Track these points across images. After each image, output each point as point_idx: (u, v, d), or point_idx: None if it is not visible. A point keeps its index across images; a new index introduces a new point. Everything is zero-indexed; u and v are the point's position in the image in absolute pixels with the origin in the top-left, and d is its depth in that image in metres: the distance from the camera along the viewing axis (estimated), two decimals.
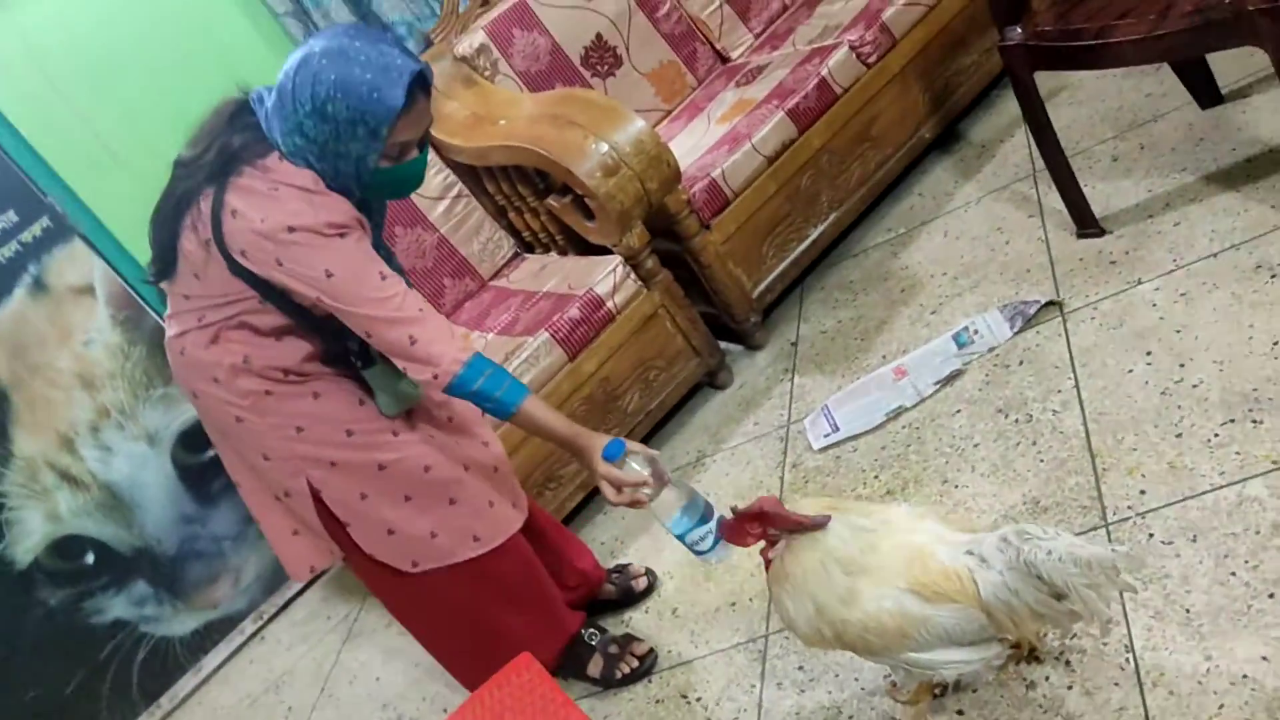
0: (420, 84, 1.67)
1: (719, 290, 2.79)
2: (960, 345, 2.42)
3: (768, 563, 1.72)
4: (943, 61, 3.01)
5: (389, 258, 1.87)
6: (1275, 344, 1.94)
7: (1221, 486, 1.79)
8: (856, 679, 1.90)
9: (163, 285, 1.84)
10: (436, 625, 2.14)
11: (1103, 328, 2.22)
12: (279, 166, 1.70)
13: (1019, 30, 2.25)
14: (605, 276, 2.61)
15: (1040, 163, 2.76)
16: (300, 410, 1.86)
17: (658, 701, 2.12)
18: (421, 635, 2.18)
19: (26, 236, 2.80)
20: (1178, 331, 2.10)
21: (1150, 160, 2.55)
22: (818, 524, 1.63)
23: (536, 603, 2.15)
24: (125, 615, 3.00)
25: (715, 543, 1.81)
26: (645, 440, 2.76)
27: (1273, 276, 2.07)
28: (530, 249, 3.07)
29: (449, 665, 2.21)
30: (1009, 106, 3.10)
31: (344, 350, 1.88)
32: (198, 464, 3.03)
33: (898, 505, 1.71)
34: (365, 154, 1.68)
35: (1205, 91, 2.56)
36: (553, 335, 2.55)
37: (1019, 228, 2.65)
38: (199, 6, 3.12)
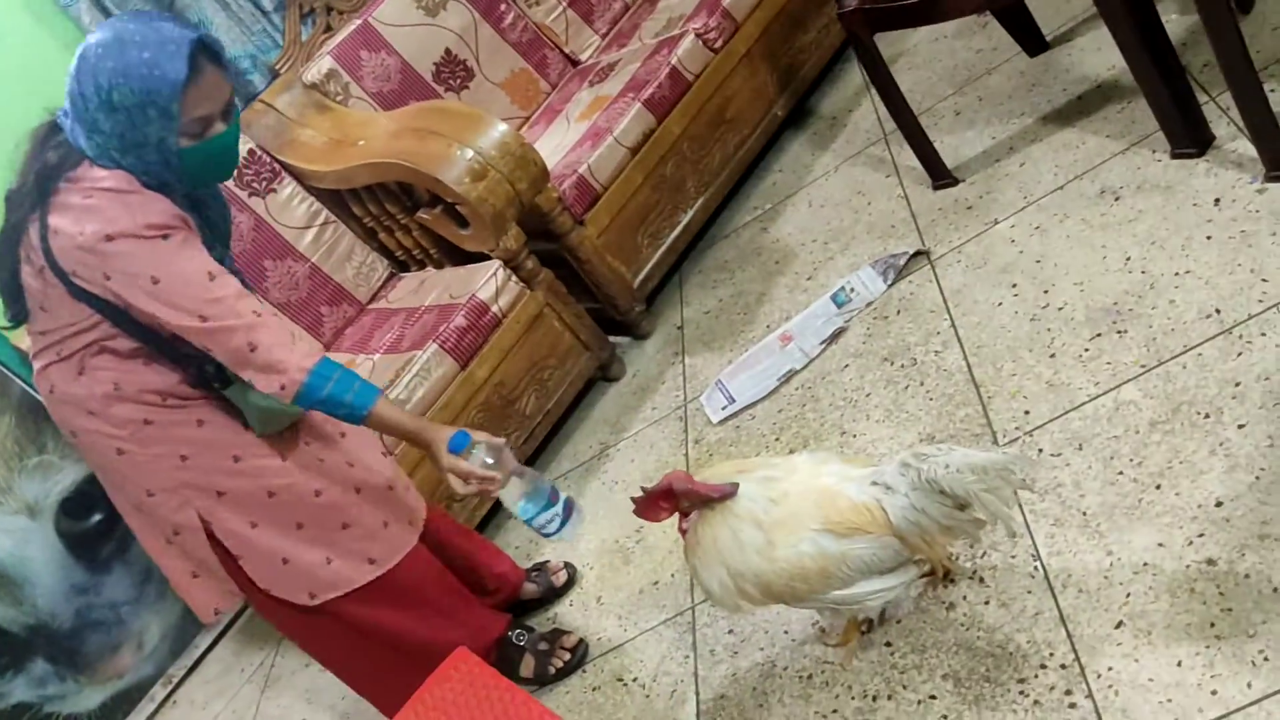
0: (205, 54, 1.62)
1: (600, 283, 2.83)
2: (839, 305, 2.50)
3: (684, 534, 1.75)
4: (785, 40, 3.11)
5: (233, 271, 1.81)
6: (1127, 259, 2.07)
7: (1098, 396, 1.89)
8: (786, 632, 1.94)
9: (25, 327, 1.78)
10: (350, 656, 2.09)
11: (969, 269, 2.33)
12: (89, 173, 1.64)
13: None
14: (487, 281, 2.62)
15: (890, 125, 2.90)
16: (184, 437, 1.80)
17: (595, 689, 2.13)
18: (336, 668, 2.12)
19: None
20: (1037, 262, 2.22)
21: (990, 110, 2.69)
22: (726, 494, 1.67)
23: (452, 613, 2.12)
24: (27, 698, 2.85)
25: (562, 524, 1.86)
26: (546, 441, 2.77)
27: (1116, 199, 2.20)
28: (405, 268, 3.05)
29: (371, 696, 2.15)
30: (853, 78, 3.23)
31: (202, 372, 1.81)
32: (83, 530, 2.91)
33: (799, 455, 1.77)
34: (164, 136, 1.62)
35: (1031, 40, 2.71)
36: (441, 346, 2.54)
37: (878, 188, 2.75)
38: None
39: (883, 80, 2.48)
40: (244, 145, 2.91)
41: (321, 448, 1.95)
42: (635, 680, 2.09)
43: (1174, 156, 2.17)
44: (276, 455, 1.88)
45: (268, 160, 2.94)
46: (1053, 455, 1.86)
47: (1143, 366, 1.88)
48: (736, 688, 1.92)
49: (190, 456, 1.81)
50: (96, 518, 2.92)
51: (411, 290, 2.90)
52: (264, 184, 2.93)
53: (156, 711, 3.02)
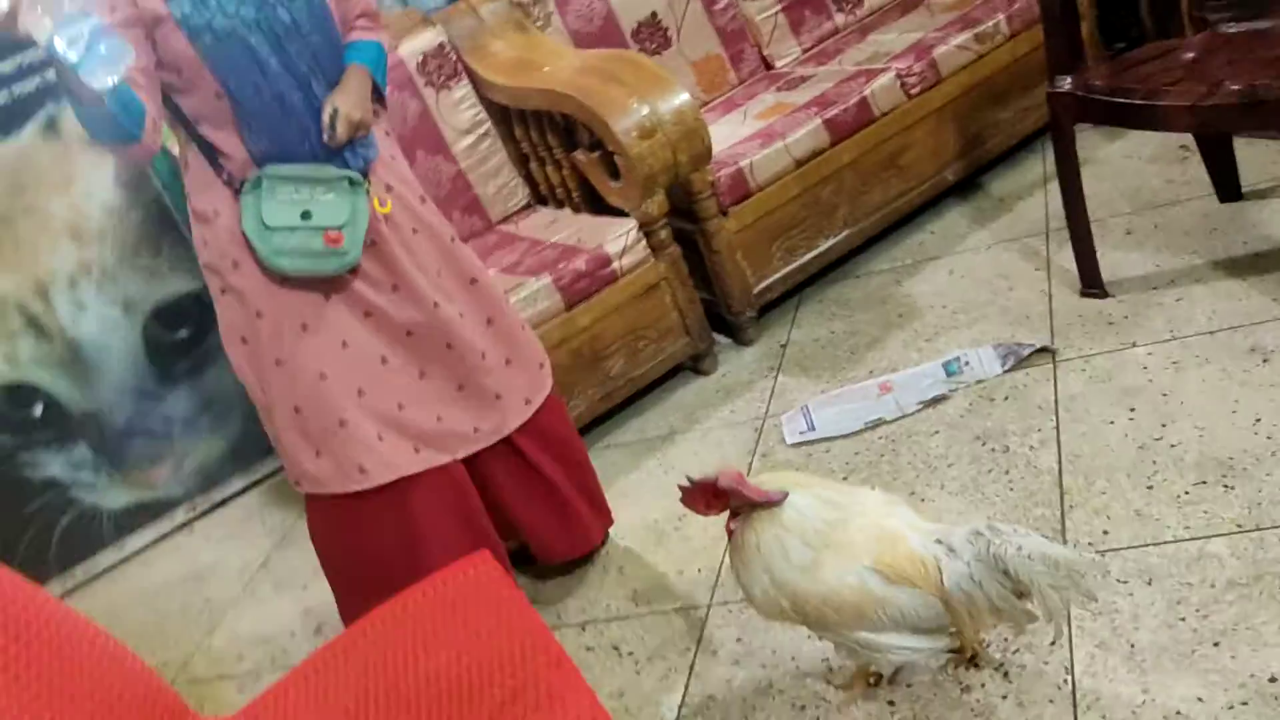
0: None
1: (722, 278, 2.81)
2: (949, 373, 2.45)
3: (730, 534, 1.72)
4: (981, 109, 3.06)
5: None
6: (1257, 420, 1.99)
7: (1184, 539, 1.82)
8: (794, 659, 1.90)
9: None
10: (327, 552, 2.06)
11: (1091, 380, 2.27)
12: None
13: (1070, 79, 2.30)
14: (618, 237, 2.62)
15: (1054, 222, 2.84)
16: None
17: (589, 649, 2.11)
18: (318, 555, 2.09)
19: (50, 74, 2.75)
20: (1164, 395, 2.14)
21: (1162, 239, 2.61)
22: (771, 500, 1.64)
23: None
24: (60, 475, 2.94)
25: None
26: (620, 406, 2.77)
27: (1264, 360, 2.12)
28: (544, 202, 3.08)
29: (337, 599, 2.12)
30: (1033, 170, 3.17)
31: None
32: (168, 341, 2.99)
33: (871, 490, 1.73)
34: None
35: (1227, 185, 2.63)
36: (555, 281, 2.55)
37: (1024, 278, 2.70)
38: None
39: (1068, 172, 2.42)
40: (435, 39, 2.97)
41: (356, 317, 1.90)
42: (631, 654, 2.06)
43: None
44: (298, 322, 1.85)
45: (453, 58, 2.99)
46: (1120, 581, 1.79)
47: (1238, 526, 1.80)
48: (727, 693, 1.89)
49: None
50: (183, 333, 2.99)
51: (543, 224, 2.92)
52: (442, 79, 2.98)
53: (173, 532, 3.09)
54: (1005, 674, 1.72)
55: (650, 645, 2.06)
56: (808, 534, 1.62)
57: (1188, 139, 2.96)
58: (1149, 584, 1.77)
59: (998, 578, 1.54)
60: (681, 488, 1.70)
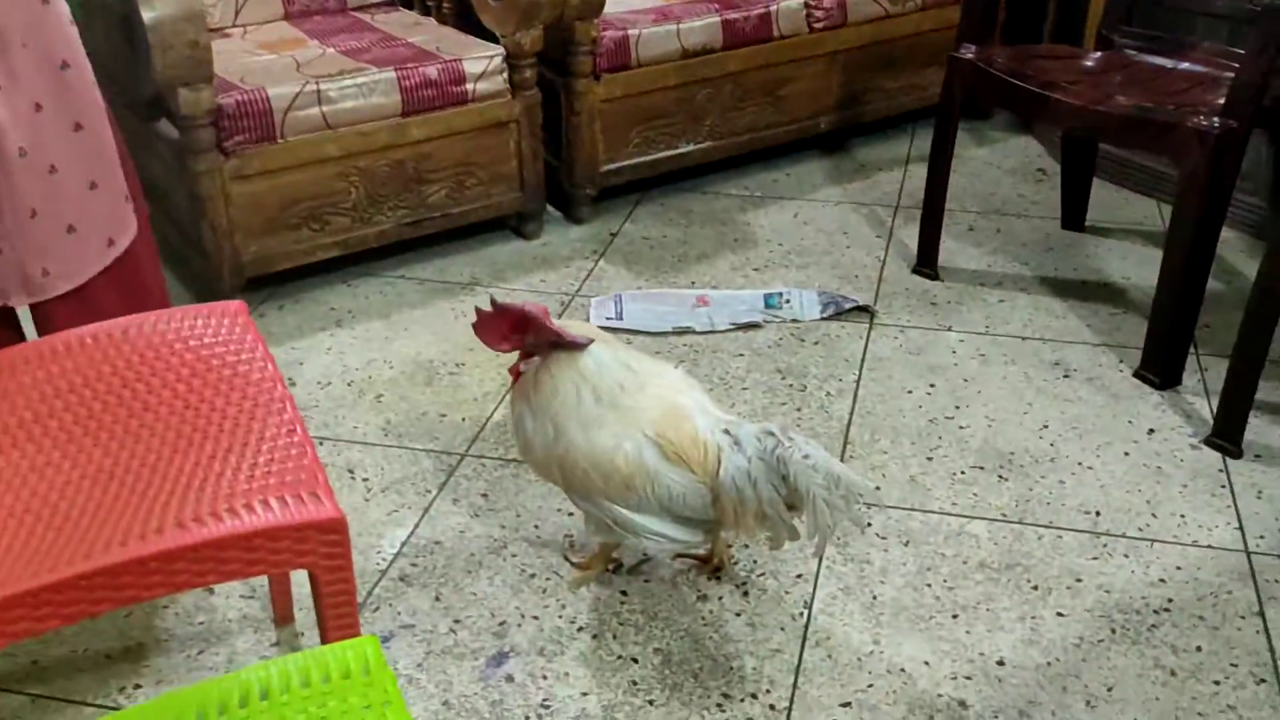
0: None
1: (574, 145, 2.65)
2: (768, 305, 2.38)
3: (515, 376, 1.58)
4: (871, 70, 3.01)
5: None
6: (1045, 427, 2.01)
7: (949, 514, 1.81)
8: (536, 526, 1.79)
9: None
10: None
11: (901, 348, 2.24)
12: None
13: (975, 49, 2.26)
14: (480, 58, 2.41)
15: (906, 201, 2.82)
16: None
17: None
18: None
19: None
20: (965, 380, 2.14)
21: (1000, 243, 2.63)
22: (578, 344, 1.51)
23: None
24: None
25: None
26: (427, 240, 2.57)
27: (1065, 376, 2.15)
28: (409, 5, 2.82)
29: None
30: (899, 148, 3.15)
31: None
32: None
33: (673, 367, 1.62)
34: None
35: (1074, 213, 2.67)
36: (400, 78, 2.32)
37: (863, 241, 2.66)
38: None
39: (942, 146, 2.39)
40: None
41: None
42: (365, 480, 1.89)
43: (1135, 374, 2.13)
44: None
45: None
46: (879, 536, 1.76)
47: (1003, 515, 1.80)
48: (457, 543, 1.75)
49: None
50: None
51: (403, 23, 2.66)
52: None
53: None
54: (745, 593, 1.66)
55: (389, 477, 1.90)
56: (600, 388, 1.50)
57: (1047, 162, 3.02)
58: (905, 545, 1.75)
59: (774, 481, 1.46)
60: (479, 312, 1.54)
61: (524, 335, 1.54)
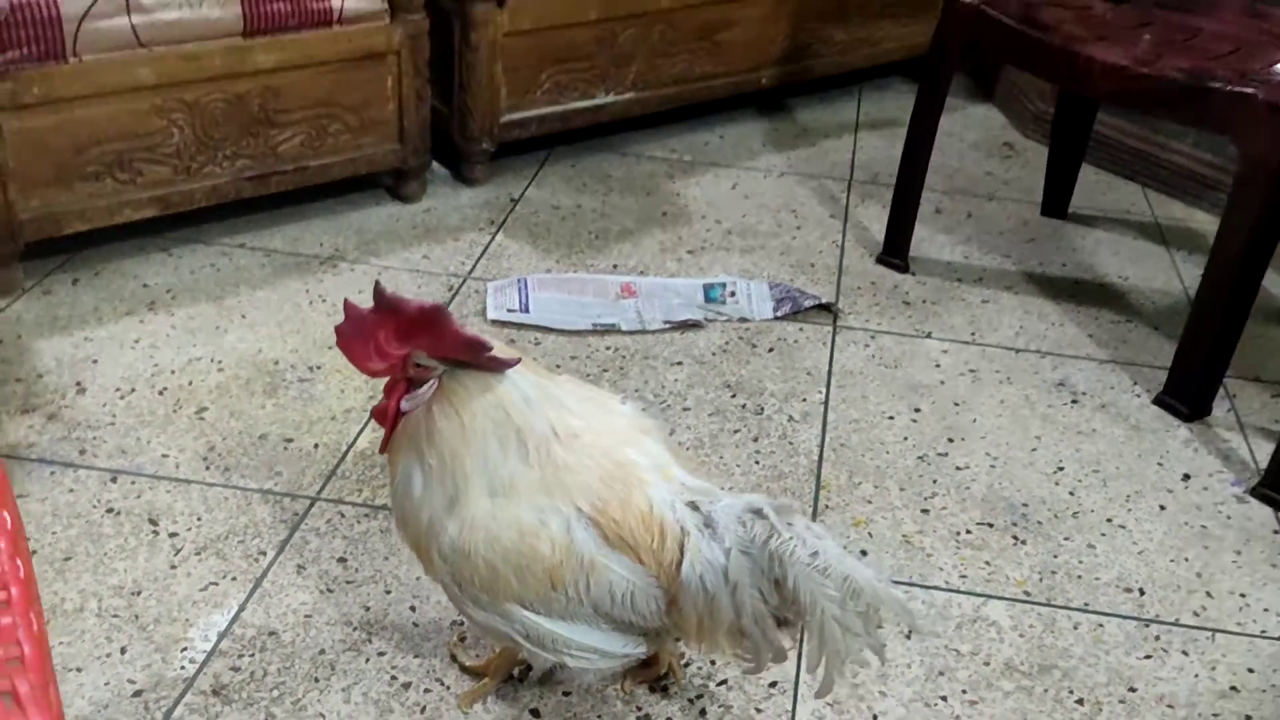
0: None
1: (469, 88, 2.12)
2: (709, 298, 1.92)
3: (393, 416, 1.07)
4: (819, 19, 2.55)
5: None
6: (1059, 469, 1.61)
7: (959, 591, 1.39)
8: (414, 608, 1.30)
9: None
10: None
11: (874, 360, 1.82)
12: None
13: None
14: None
15: (860, 174, 2.40)
16: None
17: (110, 510, 1.39)
18: None
19: None
20: (956, 404, 1.73)
21: (974, 229, 2.23)
22: (505, 362, 1.03)
23: None
24: None
25: None
26: (277, 199, 2.02)
27: (1073, 401, 1.75)
28: None
29: None
30: (846, 112, 2.71)
31: None
32: None
33: (621, 402, 1.15)
34: None
35: (1056, 199, 2.29)
36: None
37: (816, 221, 2.22)
38: None
39: (926, 112, 1.95)
40: None
41: None
42: (172, 535, 1.37)
43: (1155, 400, 1.75)
44: None
45: None
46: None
47: (1027, 595, 1.39)
48: (299, 635, 1.25)
49: None
50: None
51: None
52: None
53: None
54: (702, 711, 1.21)
55: (207, 532, 1.38)
56: (528, 435, 1.02)
57: (1013, 135, 2.64)
58: (908, 638, 1.32)
59: (762, 585, 1.01)
60: (349, 309, 1.04)
61: (412, 349, 1.04)
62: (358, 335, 1.04)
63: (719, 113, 2.61)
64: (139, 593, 1.29)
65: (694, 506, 1.05)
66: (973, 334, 1.90)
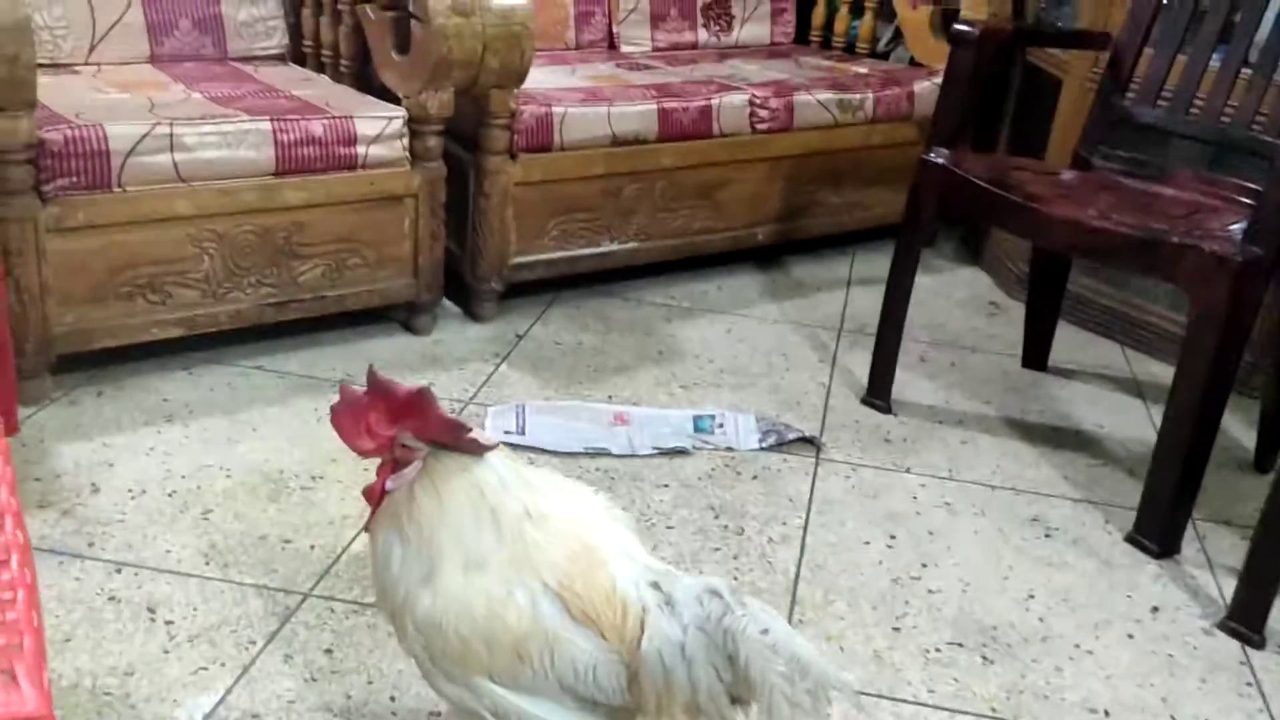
0: None
1: (481, 232, 2.28)
2: (698, 429, 2.01)
3: (379, 493, 1.16)
4: (814, 183, 2.73)
5: None
6: (1030, 596, 1.66)
7: (926, 704, 1.42)
8: (393, 699, 1.34)
9: None
10: None
11: (854, 490, 1.89)
12: None
13: (949, 153, 1.98)
14: (377, 118, 2.05)
15: (850, 324, 2.53)
16: None
17: (112, 599, 1.46)
18: None
19: None
20: (930, 533, 1.79)
21: (956, 378, 2.33)
22: (484, 445, 1.12)
23: None
24: None
25: None
26: (296, 329, 2.15)
27: (1046, 535, 1.81)
28: (302, 61, 2.46)
29: None
30: (838, 269, 2.87)
31: None
32: None
33: (594, 493, 1.23)
34: None
35: (1036, 352, 2.39)
36: (275, 130, 1.94)
37: (805, 364, 2.33)
38: None
39: (904, 264, 2.09)
40: None
41: None
42: (168, 623, 1.43)
43: (1127, 538, 1.80)
44: None
45: None
46: None
47: (993, 711, 1.43)
48: (284, 717, 1.29)
49: None
50: None
51: (291, 78, 2.30)
52: None
53: None
54: None
55: (202, 621, 1.44)
56: (502, 514, 1.09)
57: (998, 295, 2.77)
58: None
59: (717, 662, 1.06)
60: (344, 391, 1.13)
61: (399, 429, 1.13)
62: (350, 415, 1.13)
63: (718, 266, 2.76)
64: (132, 673, 1.34)
65: (655, 586, 1.11)
66: (950, 470, 1.98)
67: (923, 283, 2.77)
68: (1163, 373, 2.43)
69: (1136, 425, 2.20)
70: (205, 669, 1.36)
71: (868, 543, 1.75)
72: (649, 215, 2.49)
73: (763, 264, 2.83)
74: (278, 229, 2.01)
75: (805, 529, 1.77)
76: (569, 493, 1.20)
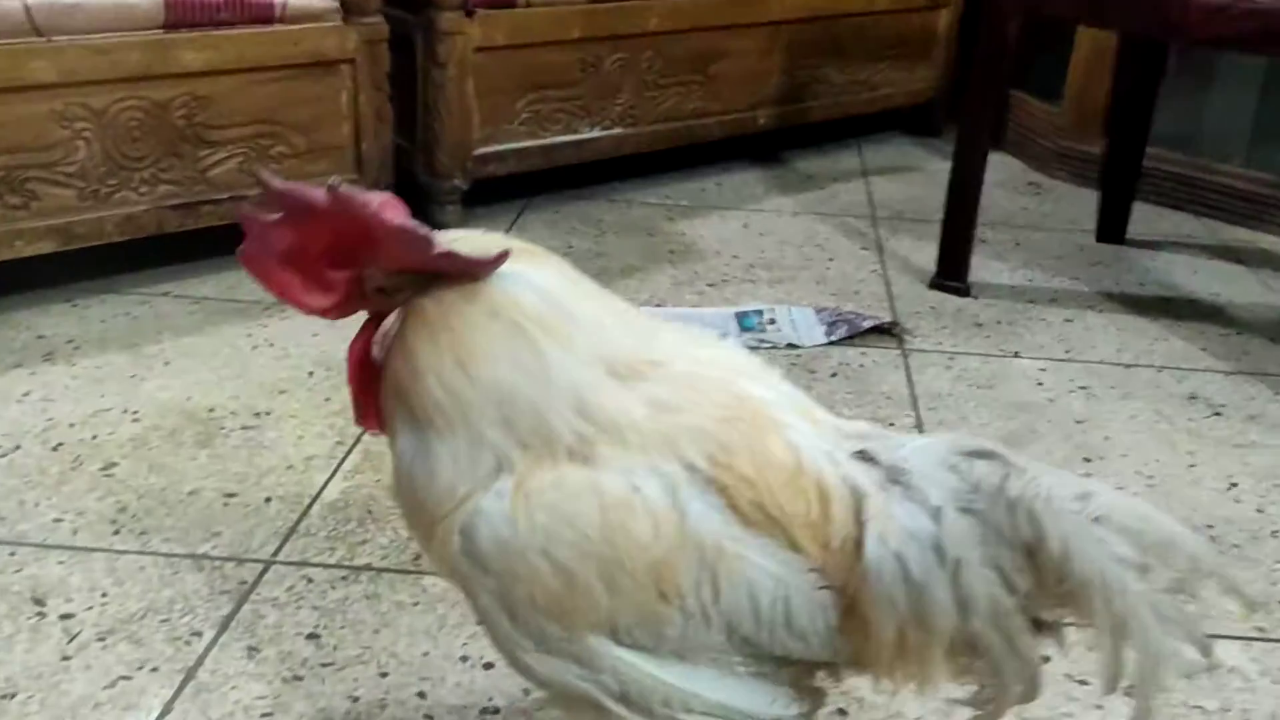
0: None
1: (436, 114, 1.81)
2: (746, 328, 1.59)
3: (363, 370, 0.70)
4: (817, 55, 2.31)
5: None
6: (1232, 485, 1.26)
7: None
8: (422, 695, 0.88)
9: None
10: None
11: (961, 380, 1.47)
12: None
13: None
14: None
15: (882, 212, 2.12)
16: None
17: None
18: None
19: None
20: (1079, 422, 1.38)
21: (1028, 257, 1.94)
22: (483, 262, 0.66)
23: None
24: None
25: None
26: (206, 240, 1.65)
27: (1215, 414, 1.42)
28: None
29: None
30: (847, 161, 2.44)
31: None
32: None
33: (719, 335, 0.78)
34: None
35: (1112, 225, 2.02)
36: None
37: (847, 253, 1.91)
38: None
39: (977, 114, 1.68)
40: None
41: None
42: (64, 619, 0.95)
43: None
44: None
45: None
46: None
47: (1261, 632, 1.03)
48: None
49: None
50: None
51: None
52: None
53: None
54: None
55: (116, 612, 0.96)
56: (570, 350, 0.65)
57: (1035, 176, 2.39)
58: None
59: (1006, 559, 0.64)
60: (247, 226, 0.67)
61: (361, 263, 0.67)
62: (272, 259, 0.68)
63: (712, 162, 2.32)
64: (14, 695, 0.86)
65: (865, 456, 0.68)
66: (1067, 351, 1.58)
67: (946, 168, 2.38)
68: (1250, 237, 2.08)
69: (1253, 290, 1.83)
70: (127, 678, 0.88)
71: (1005, 439, 1.34)
72: (635, 93, 2.04)
73: (761, 159, 2.40)
74: (174, 104, 1.51)
75: (920, 428, 1.35)
76: (706, 339, 0.75)
